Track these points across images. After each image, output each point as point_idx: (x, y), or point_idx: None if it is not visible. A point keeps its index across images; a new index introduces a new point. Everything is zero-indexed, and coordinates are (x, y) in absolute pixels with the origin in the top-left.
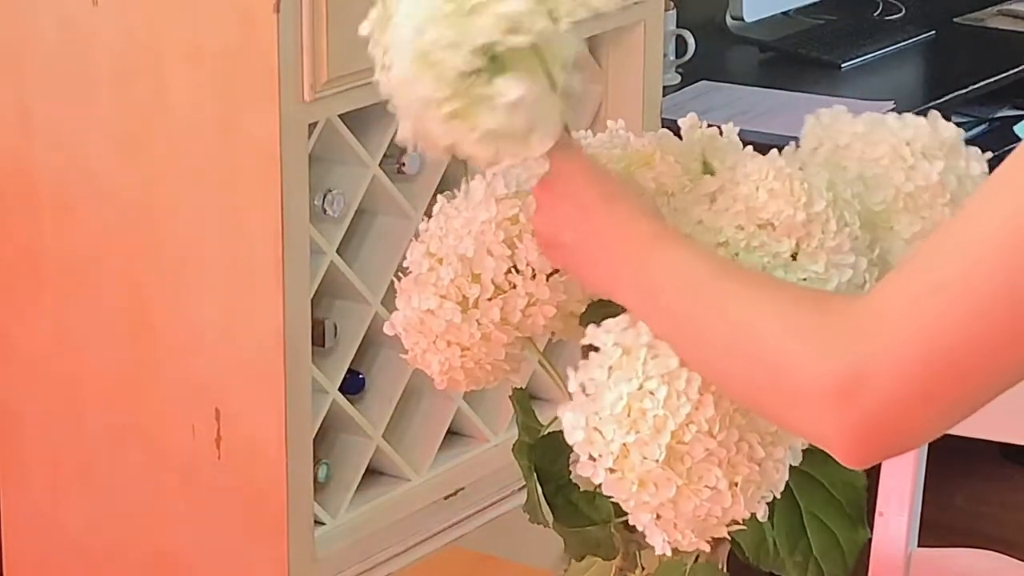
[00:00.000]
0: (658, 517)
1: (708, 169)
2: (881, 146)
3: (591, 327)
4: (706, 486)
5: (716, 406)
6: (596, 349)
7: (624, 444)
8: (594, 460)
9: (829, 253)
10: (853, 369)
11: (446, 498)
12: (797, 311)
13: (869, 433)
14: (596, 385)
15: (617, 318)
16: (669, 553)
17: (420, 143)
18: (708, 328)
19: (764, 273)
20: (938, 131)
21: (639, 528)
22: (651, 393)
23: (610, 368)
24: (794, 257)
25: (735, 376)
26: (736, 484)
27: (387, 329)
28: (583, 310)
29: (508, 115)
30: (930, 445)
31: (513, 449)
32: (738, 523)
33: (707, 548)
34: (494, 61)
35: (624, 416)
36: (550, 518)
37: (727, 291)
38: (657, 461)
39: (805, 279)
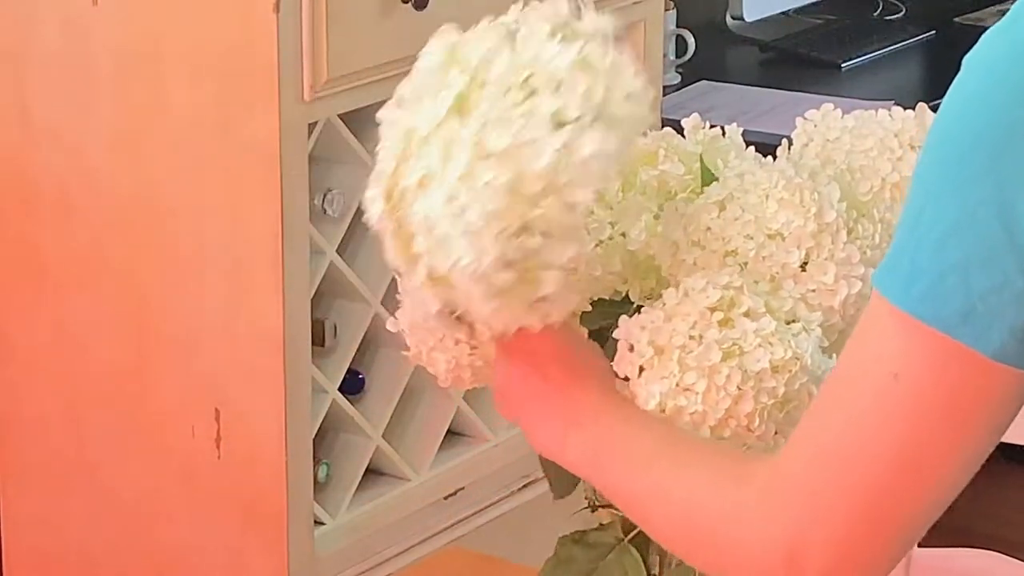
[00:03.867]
0: None
1: (708, 173)
2: (869, 138)
3: (624, 320)
4: None
5: (755, 400)
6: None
7: None
8: None
9: (839, 264)
10: (788, 540)
11: (446, 498)
12: (727, 487)
13: None
14: (628, 384)
15: (652, 313)
16: None
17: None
18: (652, 511)
19: (699, 444)
20: (925, 123)
21: None
22: (687, 389)
23: (641, 368)
24: (803, 268)
25: (688, 553)
26: None
27: (390, 326)
28: (585, 310)
29: (561, 281)
30: None
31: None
32: None
33: None
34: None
35: (657, 414)
36: (571, 486)
37: (665, 472)
38: None
39: (814, 290)
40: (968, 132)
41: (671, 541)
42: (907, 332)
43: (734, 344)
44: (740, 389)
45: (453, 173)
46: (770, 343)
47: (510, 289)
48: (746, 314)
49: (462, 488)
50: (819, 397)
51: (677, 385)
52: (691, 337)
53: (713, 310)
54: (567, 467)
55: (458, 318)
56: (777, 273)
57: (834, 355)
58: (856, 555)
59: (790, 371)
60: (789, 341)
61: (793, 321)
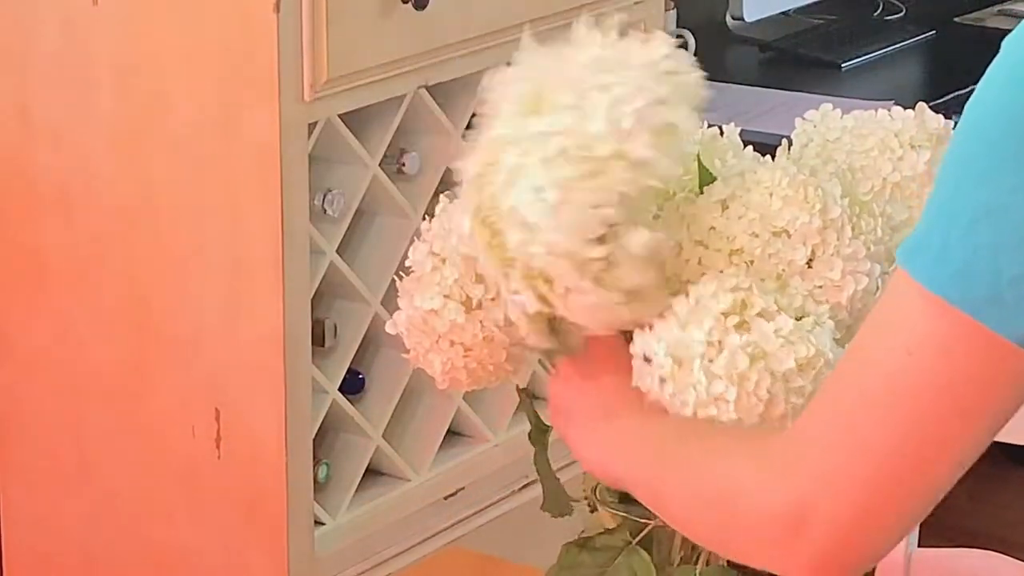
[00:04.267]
0: None
1: (706, 173)
2: (870, 138)
3: (638, 334)
4: None
5: (785, 401)
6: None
7: None
8: None
9: (845, 260)
10: (797, 504)
11: (446, 498)
12: (742, 447)
13: (826, 562)
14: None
15: (665, 323)
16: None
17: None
18: (668, 489)
19: (721, 426)
20: (926, 122)
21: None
22: (718, 399)
23: (661, 379)
24: (809, 265)
25: (700, 528)
26: None
27: (389, 328)
28: None
29: (646, 269)
30: None
31: (530, 438)
32: None
33: None
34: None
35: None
36: (572, 507)
37: (684, 451)
38: None
39: (821, 286)
40: (1002, 116)
41: (685, 520)
42: (932, 311)
43: (757, 347)
44: (770, 393)
45: (535, 158)
46: (792, 342)
47: (604, 275)
48: (760, 314)
49: (462, 488)
50: (836, 370)
51: (706, 394)
52: (709, 343)
53: (727, 315)
54: (614, 483)
55: (550, 326)
56: (784, 271)
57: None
58: (862, 526)
59: (815, 367)
60: (809, 338)
61: (803, 317)
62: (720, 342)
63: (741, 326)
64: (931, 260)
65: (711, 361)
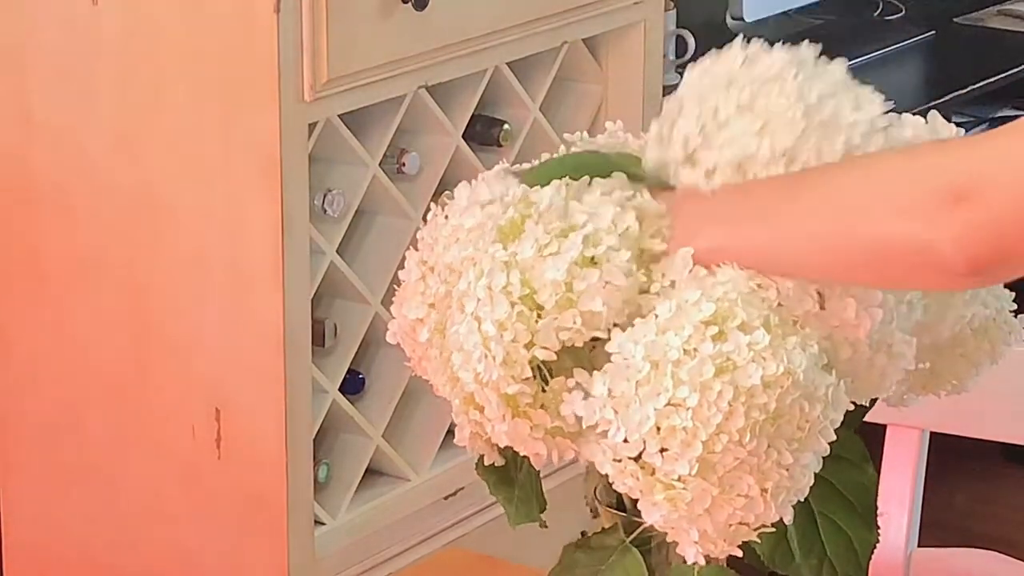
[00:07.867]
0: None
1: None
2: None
3: (617, 333)
4: (739, 495)
5: (746, 415)
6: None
7: (654, 468)
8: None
9: (857, 299)
10: (968, 179)
11: (446, 498)
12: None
13: (980, 240)
14: (625, 400)
15: (645, 326)
16: (702, 562)
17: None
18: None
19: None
20: (937, 130)
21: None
22: (678, 405)
23: (637, 383)
24: (822, 307)
25: (835, 202)
26: (767, 491)
27: (388, 338)
28: None
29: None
30: (930, 445)
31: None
32: (767, 528)
33: (739, 553)
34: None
35: (653, 434)
36: (541, 511)
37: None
38: (690, 474)
39: (838, 326)
40: None
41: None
42: None
43: (727, 359)
44: (731, 405)
45: (481, 286)
46: (763, 357)
47: (531, 412)
48: (740, 327)
49: (462, 488)
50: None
51: (669, 403)
52: (685, 351)
53: (707, 324)
54: (740, 253)
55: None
56: (798, 318)
57: (834, 372)
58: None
59: (782, 386)
60: (782, 356)
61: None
62: (696, 350)
63: (719, 336)
64: None
65: (685, 367)
